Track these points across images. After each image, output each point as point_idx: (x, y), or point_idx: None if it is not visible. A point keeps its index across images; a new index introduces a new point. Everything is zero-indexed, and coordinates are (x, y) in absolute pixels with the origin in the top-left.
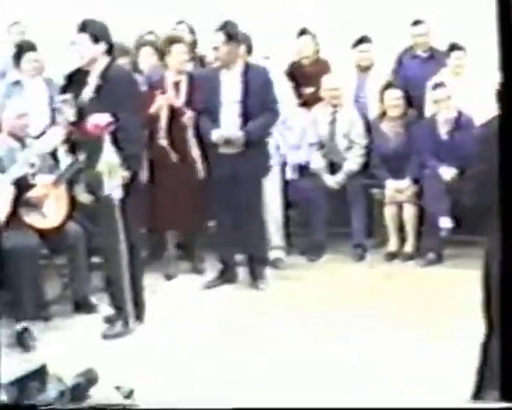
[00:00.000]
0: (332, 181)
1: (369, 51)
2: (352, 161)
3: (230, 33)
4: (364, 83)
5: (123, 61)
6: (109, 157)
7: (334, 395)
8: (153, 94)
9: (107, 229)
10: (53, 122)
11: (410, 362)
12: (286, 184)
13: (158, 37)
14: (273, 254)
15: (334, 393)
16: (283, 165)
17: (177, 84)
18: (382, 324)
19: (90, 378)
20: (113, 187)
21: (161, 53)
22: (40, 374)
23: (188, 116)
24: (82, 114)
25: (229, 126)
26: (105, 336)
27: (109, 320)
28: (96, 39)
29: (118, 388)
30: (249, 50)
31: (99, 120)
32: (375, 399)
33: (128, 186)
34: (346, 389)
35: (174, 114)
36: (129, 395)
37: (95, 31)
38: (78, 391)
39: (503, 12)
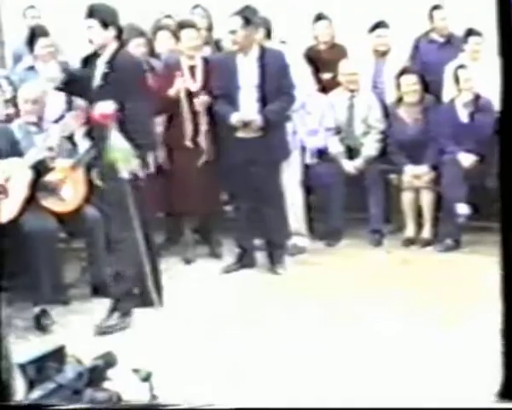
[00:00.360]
0: (350, 166)
1: (386, 36)
2: (371, 147)
3: (248, 18)
4: (382, 68)
5: (138, 42)
6: (121, 145)
7: (350, 380)
8: (171, 77)
9: (120, 217)
10: (69, 106)
11: (427, 348)
12: (305, 170)
13: (175, 21)
14: (292, 240)
15: (351, 378)
16: (303, 150)
17: (192, 69)
18: (399, 309)
19: (108, 361)
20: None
21: (176, 37)
22: (59, 355)
23: (201, 101)
24: (92, 100)
25: (247, 110)
26: (98, 328)
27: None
28: (105, 25)
29: (136, 370)
30: (268, 34)
31: (104, 108)
32: (391, 385)
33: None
34: (361, 374)
35: (190, 98)
36: (147, 377)
37: (103, 16)
38: (97, 373)
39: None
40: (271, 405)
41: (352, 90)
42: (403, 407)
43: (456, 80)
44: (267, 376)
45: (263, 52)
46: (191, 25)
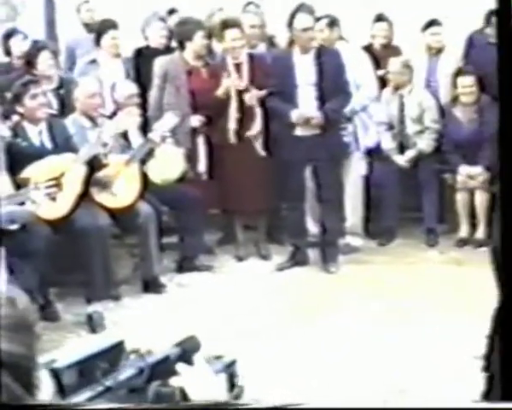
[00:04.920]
0: (402, 160)
1: (440, 34)
2: (424, 143)
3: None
4: (435, 67)
5: (202, 34)
6: None
7: (397, 379)
8: (217, 76)
9: None
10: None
11: (478, 349)
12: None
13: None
14: (346, 239)
15: (399, 377)
16: (362, 151)
17: (238, 66)
18: (451, 310)
19: (190, 347)
20: None
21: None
22: (115, 352)
23: (252, 95)
24: None
25: (306, 108)
26: None
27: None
28: None
29: (218, 357)
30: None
31: None
32: (445, 383)
33: None
34: (410, 372)
35: (238, 95)
36: (230, 365)
37: None
38: (165, 366)
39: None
40: (325, 404)
41: (401, 88)
42: (407, 408)
43: None
44: (318, 374)
45: (320, 50)
46: (235, 24)
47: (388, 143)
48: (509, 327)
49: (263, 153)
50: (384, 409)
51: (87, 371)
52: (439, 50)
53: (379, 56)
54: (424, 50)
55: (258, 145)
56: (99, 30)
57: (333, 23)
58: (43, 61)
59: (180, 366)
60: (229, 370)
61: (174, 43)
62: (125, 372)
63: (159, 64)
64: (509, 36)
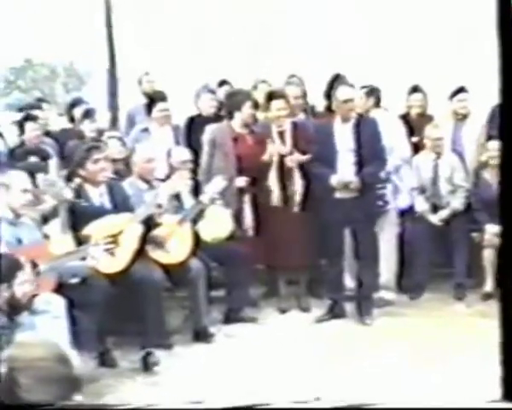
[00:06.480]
0: (436, 219)
1: (466, 100)
2: (457, 202)
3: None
4: (461, 132)
5: (250, 105)
6: None
7: None
8: (262, 143)
9: None
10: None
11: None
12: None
13: (270, 85)
14: (380, 293)
15: None
16: (396, 211)
17: (281, 134)
18: (472, 356)
19: None
20: None
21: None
22: None
23: (292, 158)
24: None
25: (345, 173)
26: None
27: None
28: None
29: None
30: (377, 103)
31: None
32: None
33: None
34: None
35: (281, 160)
36: None
37: None
38: None
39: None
40: None
41: (437, 153)
42: (404, 407)
43: None
44: None
45: (359, 120)
46: (281, 95)
47: (422, 206)
48: (509, 327)
49: (299, 213)
50: (385, 409)
51: None
52: (465, 116)
53: (414, 124)
54: (450, 116)
55: (296, 206)
56: (150, 101)
57: (372, 92)
58: (113, 147)
59: None
60: None
61: (223, 112)
62: None
63: (208, 132)
64: (509, 36)
